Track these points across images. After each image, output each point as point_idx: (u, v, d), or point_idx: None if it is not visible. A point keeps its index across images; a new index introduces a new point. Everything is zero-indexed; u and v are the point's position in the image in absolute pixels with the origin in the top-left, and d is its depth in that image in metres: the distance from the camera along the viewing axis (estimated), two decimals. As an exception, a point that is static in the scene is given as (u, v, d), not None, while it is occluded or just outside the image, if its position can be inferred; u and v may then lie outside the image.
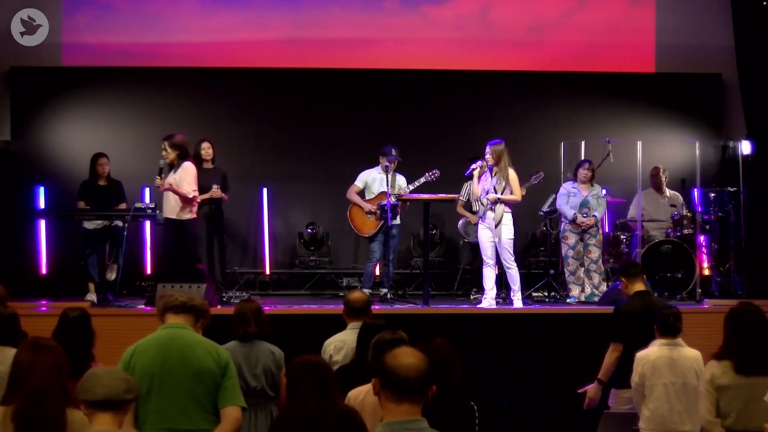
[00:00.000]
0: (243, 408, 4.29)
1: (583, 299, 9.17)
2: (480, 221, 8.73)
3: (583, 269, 9.29)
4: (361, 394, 4.36)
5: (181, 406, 4.07)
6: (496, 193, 8.51)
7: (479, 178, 8.63)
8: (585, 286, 9.25)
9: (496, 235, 8.52)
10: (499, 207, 8.51)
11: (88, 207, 9.12)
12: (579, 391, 6.33)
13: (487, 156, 8.59)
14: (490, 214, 8.56)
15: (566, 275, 9.35)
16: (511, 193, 8.56)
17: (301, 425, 3.73)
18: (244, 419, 5.21)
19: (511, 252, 8.59)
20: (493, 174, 8.58)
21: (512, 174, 8.60)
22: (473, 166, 8.68)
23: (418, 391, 3.07)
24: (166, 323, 4.29)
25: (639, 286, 6.28)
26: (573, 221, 9.30)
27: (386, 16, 11.22)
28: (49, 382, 3.72)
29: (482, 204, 8.65)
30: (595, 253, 9.28)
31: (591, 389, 6.25)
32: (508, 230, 8.54)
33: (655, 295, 8.60)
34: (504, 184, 8.53)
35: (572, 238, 9.33)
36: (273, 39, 11.09)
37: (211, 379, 4.16)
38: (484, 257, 8.66)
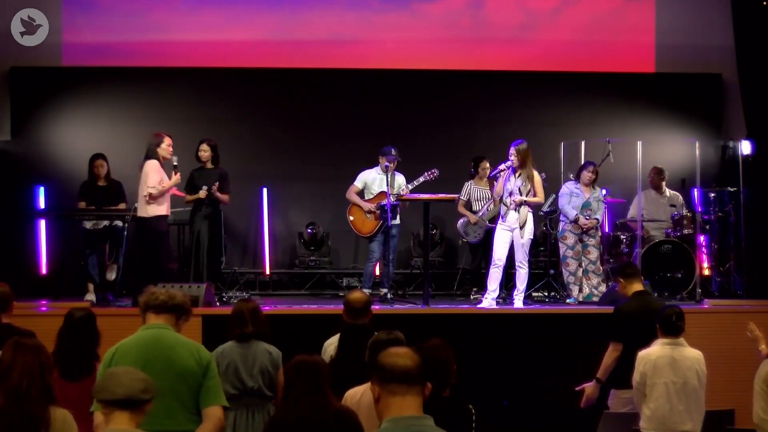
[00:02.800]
0: (225, 408, 4.28)
1: (581, 299, 9.16)
2: (500, 221, 8.66)
3: (581, 269, 9.29)
4: (358, 394, 4.35)
5: (165, 407, 4.06)
6: (521, 193, 8.50)
7: (504, 179, 8.60)
8: (583, 286, 9.24)
9: (521, 236, 8.50)
10: (524, 208, 8.51)
11: (92, 206, 9.12)
12: (577, 389, 6.34)
13: (512, 157, 8.54)
14: (513, 215, 8.52)
15: (565, 276, 9.34)
16: (535, 195, 8.56)
17: (295, 425, 3.73)
18: (241, 419, 5.22)
19: (527, 252, 8.60)
20: (517, 175, 8.56)
21: (537, 175, 8.60)
22: (500, 166, 8.65)
23: (418, 379, 3.11)
24: (147, 324, 4.28)
25: (637, 287, 6.29)
26: (575, 221, 9.29)
27: (387, 15, 11.21)
28: (30, 380, 3.72)
29: (506, 205, 8.59)
30: (594, 254, 9.27)
31: (589, 388, 6.25)
32: (530, 231, 8.56)
33: (655, 295, 8.63)
34: (529, 185, 8.52)
35: (571, 239, 9.32)
36: (273, 39, 11.08)
37: (194, 379, 4.16)
38: (495, 258, 8.62)
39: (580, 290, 9.24)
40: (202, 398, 4.16)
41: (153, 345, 4.19)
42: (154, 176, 8.27)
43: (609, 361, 6.17)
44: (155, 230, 8.36)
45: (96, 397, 3.51)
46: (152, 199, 8.25)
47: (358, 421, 3.81)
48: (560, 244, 9.41)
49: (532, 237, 8.64)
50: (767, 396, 4.93)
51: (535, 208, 8.79)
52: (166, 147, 8.43)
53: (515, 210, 8.51)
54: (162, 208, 8.34)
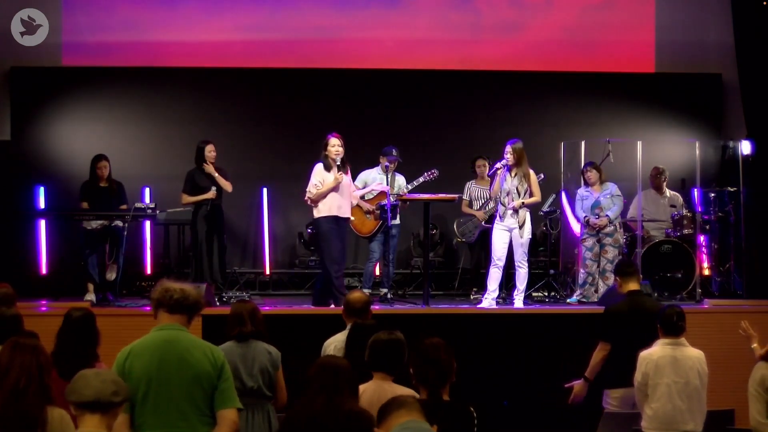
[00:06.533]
0: (239, 409, 4.28)
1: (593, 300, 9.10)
2: (497, 221, 8.66)
3: (599, 270, 9.24)
4: None
5: (179, 409, 4.06)
6: (518, 193, 8.50)
7: (500, 178, 8.58)
8: (599, 287, 9.20)
9: (521, 236, 8.50)
10: (523, 209, 8.52)
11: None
12: (566, 386, 6.36)
13: (507, 155, 8.53)
14: (511, 214, 8.53)
15: (582, 276, 9.27)
16: (532, 194, 8.57)
17: (307, 422, 3.74)
18: (240, 419, 5.21)
19: (527, 252, 8.60)
20: (513, 174, 8.55)
21: (533, 174, 8.60)
22: (497, 165, 8.63)
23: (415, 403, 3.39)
24: (161, 324, 4.24)
25: (632, 286, 6.22)
26: (586, 224, 9.27)
27: (388, 14, 11.20)
28: (28, 380, 3.72)
29: (503, 204, 8.58)
30: (611, 253, 9.18)
31: (577, 386, 6.28)
32: (529, 230, 8.57)
33: (655, 295, 8.62)
34: (526, 184, 8.52)
35: (590, 240, 9.28)
36: (273, 39, 11.08)
37: (208, 381, 4.14)
38: (494, 258, 8.60)
39: (596, 291, 9.20)
40: (216, 401, 4.14)
41: (167, 346, 4.15)
42: (312, 179, 8.38)
43: (596, 360, 6.19)
44: (318, 232, 8.50)
45: (66, 399, 3.49)
46: (312, 202, 8.36)
47: (371, 424, 3.80)
48: (581, 247, 9.36)
49: (531, 236, 8.65)
50: (762, 399, 4.91)
51: (534, 207, 8.77)
52: (331, 148, 8.43)
53: (514, 210, 8.51)
54: (323, 210, 8.34)
